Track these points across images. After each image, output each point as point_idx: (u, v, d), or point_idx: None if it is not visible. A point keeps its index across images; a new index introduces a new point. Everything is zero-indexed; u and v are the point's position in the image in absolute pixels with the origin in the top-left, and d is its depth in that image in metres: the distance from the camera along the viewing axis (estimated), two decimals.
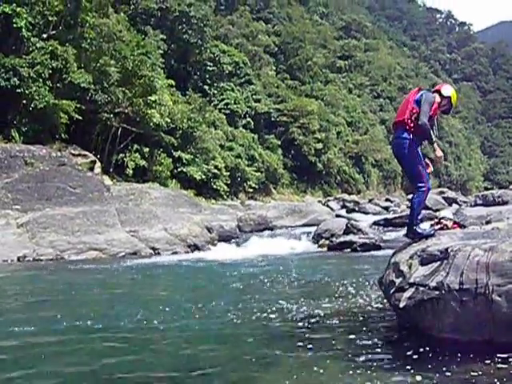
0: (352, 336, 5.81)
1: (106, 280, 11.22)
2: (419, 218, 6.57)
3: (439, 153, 6.49)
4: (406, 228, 6.69)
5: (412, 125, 6.40)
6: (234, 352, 5.52)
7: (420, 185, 6.48)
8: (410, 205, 6.74)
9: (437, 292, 5.19)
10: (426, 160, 6.72)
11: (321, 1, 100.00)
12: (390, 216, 23.67)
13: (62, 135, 25.04)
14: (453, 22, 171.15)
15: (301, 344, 5.58)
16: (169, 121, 31.88)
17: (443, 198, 29.21)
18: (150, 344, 5.87)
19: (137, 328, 6.52)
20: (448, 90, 6.78)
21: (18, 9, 23.11)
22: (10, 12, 22.76)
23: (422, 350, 5.15)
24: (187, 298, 8.73)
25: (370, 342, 5.58)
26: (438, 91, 6.73)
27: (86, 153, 25.64)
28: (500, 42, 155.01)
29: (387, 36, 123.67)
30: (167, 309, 7.62)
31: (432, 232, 6.45)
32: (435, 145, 6.40)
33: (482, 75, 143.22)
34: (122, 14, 35.75)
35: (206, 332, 6.37)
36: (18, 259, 14.44)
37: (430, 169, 6.70)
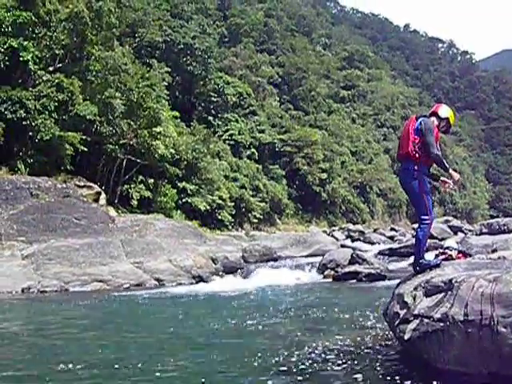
0: (357, 368, 5.76)
1: (104, 314, 11.18)
2: (424, 248, 6.54)
3: (456, 176, 6.44)
4: (411, 258, 6.65)
5: (417, 155, 6.37)
6: None
7: (424, 217, 6.45)
8: (414, 238, 6.70)
9: (441, 324, 5.16)
10: (442, 178, 6.70)
11: (323, 32, 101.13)
12: (395, 246, 23.57)
13: (68, 167, 25.19)
14: (455, 51, 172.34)
15: (306, 377, 5.53)
16: (173, 152, 32.06)
17: (448, 226, 29.02)
18: None
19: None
20: (445, 111, 6.74)
21: (25, 43, 23.46)
22: (17, 46, 23.08)
23: (427, 382, 5.10)
24: (192, 333, 8.69)
25: (375, 375, 5.53)
26: (435, 113, 6.69)
27: (91, 184, 25.74)
28: (502, 70, 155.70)
29: (390, 66, 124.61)
30: (169, 346, 7.57)
31: (438, 262, 6.43)
32: (450, 170, 6.36)
33: (485, 103, 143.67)
34: (127, 47, 36.28)
35: (207, 367, 6.34)
36: (23, 291, 14.41)
37: (449, 185, 6.66)
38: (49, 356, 6.86)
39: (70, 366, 6.20)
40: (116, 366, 6.19)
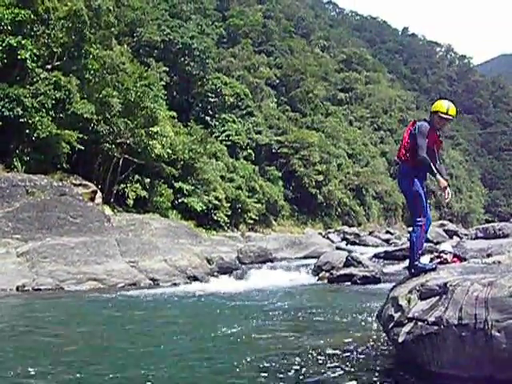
0: (350, 372, 5.76)
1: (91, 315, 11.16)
2: (420, 252, 6.54)
3: (443, 183, 6.41)
4: (406, 261, 6.67)
5: (409, 158, 6.49)
6: None
7: (417, 219, 6.50)
8: (409, 241, 6.74)
9: (436, 327, 5.17)
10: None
11: (322, 34, 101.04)
12: (391, 249, 23.63)
13: (64, 165, 25.13)
14: (453, 55, 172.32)
15: (299, 381, 5.53)
16: (170, 152, 31.98)
17: (444, 230, 29.15)
18: None
19: None
20: (444, 105, 6.63)
21: (24, 41, 23.37)
22: (15, 44, 23.01)
23: None
24: (184, 336, 8.67)
25: (368, 378, 5.53)
26: (436, 112, 6.60)
27: (87, 183, 25.70)
28: (500, 75, 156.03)
29: (388, 69, 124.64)
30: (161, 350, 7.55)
31: (433, 266, 6.45)
32: (437, 176, 6.39)
33: (482, 108, 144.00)
34: (125, 46, 36.25)
35: (198, 373, 6.32)
36: (17, 289, 14.36)
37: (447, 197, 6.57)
38: (15, 360, 6.75)
39: (38, 369, 6.11)
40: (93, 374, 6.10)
